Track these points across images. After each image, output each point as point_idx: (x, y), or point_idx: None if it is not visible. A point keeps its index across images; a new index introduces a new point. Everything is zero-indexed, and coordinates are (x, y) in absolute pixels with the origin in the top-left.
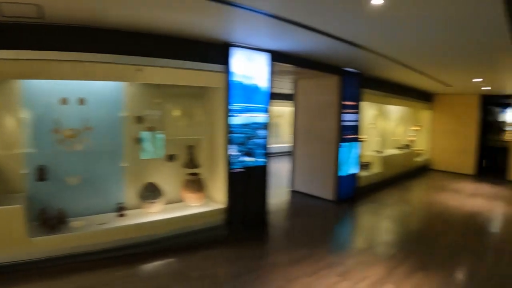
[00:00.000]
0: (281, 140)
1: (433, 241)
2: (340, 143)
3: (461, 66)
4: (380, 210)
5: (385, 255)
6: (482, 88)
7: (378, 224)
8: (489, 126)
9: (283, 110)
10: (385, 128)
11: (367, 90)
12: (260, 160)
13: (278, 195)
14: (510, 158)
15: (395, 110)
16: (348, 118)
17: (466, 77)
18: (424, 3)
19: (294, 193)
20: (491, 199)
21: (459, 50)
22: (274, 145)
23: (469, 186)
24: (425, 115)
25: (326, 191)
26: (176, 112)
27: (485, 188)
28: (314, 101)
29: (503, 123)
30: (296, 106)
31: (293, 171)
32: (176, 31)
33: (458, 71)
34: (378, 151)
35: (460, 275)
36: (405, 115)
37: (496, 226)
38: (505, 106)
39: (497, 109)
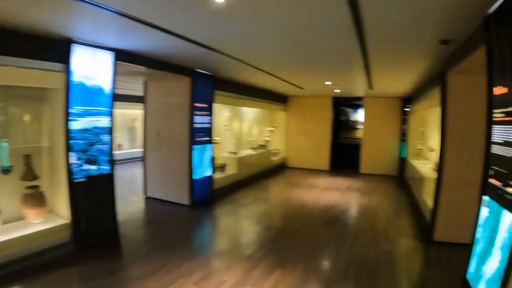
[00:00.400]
0: (138, 145)
1: (291, 237)
2: (193, 146)
3: (312, 70)
4: (237, 211)
5: (244, 256)
6: (335, 91)
7: (236, 225)
8: (342, 125)
9: (139, 113)
10: (240, 129)
11: (220, 92)
12: (105, 168)
13: (132, 203)
14: (361, 153)
15: (250, 112)
16: (200, 120)
17: (318, 81)
18: (267, 6)
19: (149, 200)
20: (345, 192)
21: (308, 55)
22: (130, 150)
23: (324, 181)
24: (280, 116)
25: (181, 196)
26: (20, 117)
27: (339, 181)
28: (166, 103)
29: (355, 122)
30: (146, 109)
31: (146, 176)
32: (7, 23)
33: (310, 75)
34: (233, 152)
35: (318, 267)
36: (260, 116)
37: (350, 216)
38: (356, 107)
39: (349, 110)
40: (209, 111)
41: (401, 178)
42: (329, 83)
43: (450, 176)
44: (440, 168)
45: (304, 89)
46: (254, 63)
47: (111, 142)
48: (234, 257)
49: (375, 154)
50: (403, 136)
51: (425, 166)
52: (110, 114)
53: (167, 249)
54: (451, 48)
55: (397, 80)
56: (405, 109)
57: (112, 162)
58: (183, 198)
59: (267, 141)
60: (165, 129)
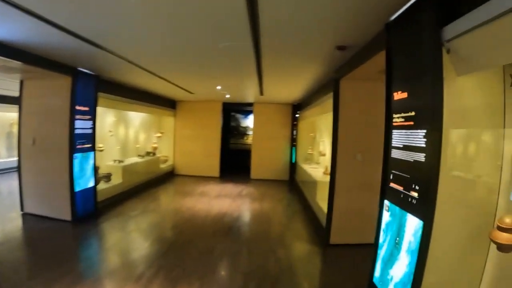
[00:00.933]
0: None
1: (184, 250)
2: (74, 154)
3: (202, 73)
4: (126, 224)
5: (134, 276)
6: (226, 96)
7: (125, 240)
8: (233, 131)
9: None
10: (127, 135)
11: (104, 95)
12: None
13: (7, 221)
14: (252, 158)
15: (137, 117)
16: (82, 125)
17: (208, 85)
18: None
19: (27, 216)
20: (237, 198)
21: (198, 56)
22: (8, 159)
23: (215, 188)
24: (169, 121)
25: (62, 211)
26: None
27: (230, 188)
28: (43, 105)
29: (245, 128)
30: (22, 112)
31: (22, 189)
32: None
33: (200, 78)
34: (119, 161)
35: (215, 282)
36: (148, 121)
37: (244, 223)
38: (247, 112)
39: (240, 116)
40: (91, 115)
41: (292, 182)
42: (220, 87)
43: (342, 180)
44: (332, 172)
45: (194, 93)
46: (140, 63)
47: None
48: (124, 278)
49: (266, 160)
50: (293, 142)
51: (316, 170)
52: None
53: (50, 274)
54: (346, 54)
55: (289, 86)
56: (296, 115)
57: None
58: (65, 213)
59: (155, 148)
60: (42, 135)
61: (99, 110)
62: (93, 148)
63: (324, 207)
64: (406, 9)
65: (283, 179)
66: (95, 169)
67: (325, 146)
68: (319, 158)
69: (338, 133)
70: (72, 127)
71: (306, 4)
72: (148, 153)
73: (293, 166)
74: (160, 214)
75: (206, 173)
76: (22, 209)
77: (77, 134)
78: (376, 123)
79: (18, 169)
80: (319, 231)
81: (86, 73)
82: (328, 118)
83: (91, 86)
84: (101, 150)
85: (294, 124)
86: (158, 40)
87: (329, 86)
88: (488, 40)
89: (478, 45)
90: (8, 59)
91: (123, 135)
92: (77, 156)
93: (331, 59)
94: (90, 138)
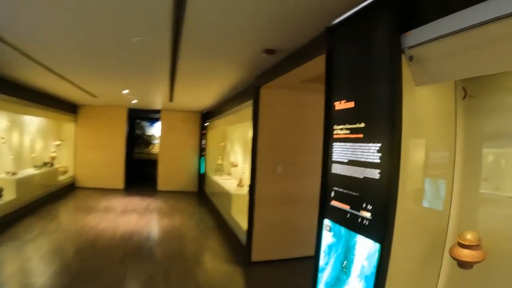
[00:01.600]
0: None
1: (91, 282)
2: None
3: (108, 74)
4: (21, 250)
5: None
6: (132, 102)
7: (20, 272)
8: (138, 140)
9: None
10: (22, 143)
11: None
12: None
13: None
14: (159, 169)
15: (34, 122)
16: None
17: (114, 88)
18: None
19: None
20: (144, 213)
21: (103, 50)
22: None
23: (120, 202)
24: (69, 127)
25: None
26: None
27: (136, 201)
28: None
29: (151, 136)
30: None
31: None
32: None
33: (105, 79)
34: (12, 173)
35: None
36: (46, 127)
37: (155, 242)
38: (153, 120)
39: (145, 123)
40: None
41: (201, 194)
42: (127, 91)
43: (263, 193)
44: (252, 184)
45: (97, 97)
46: (36, 57)
47: None
48: None
49: (173, 170)
50: (202, 151)
51: (229, 182)
52: None
53: None
54: (273, 59)
55: (202, 93)
56: (205, 124)
57: None
58: None
59: (53, 158)
60: None
61: None
62: None
63: (241, 221)
64: (355, 13)
65: (191, 190)
66: None
67: (237, 156)
68: (230, 169)
69: (258, 143)
70: None
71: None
72: (45, 164)
73: (201, 177)
74: (61, 236)
75: (110, 185)
76: None
77: None
78: (300, 133)
79: None
80: (238, 248)
81: None
82: (243, 127)
83: None
84: None
85: (202, 133)
86: (58, 28)
87: (247, 93)
88: (452, 52)
89: (441, 56)
90: None
91: (18, 142)
92: None
93: (255, 64)
94: None
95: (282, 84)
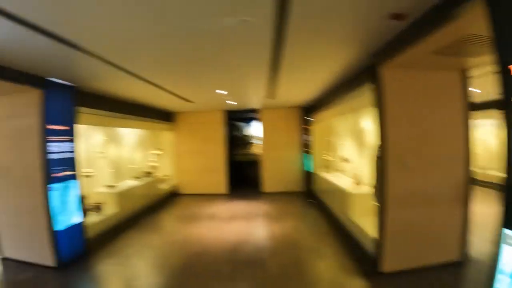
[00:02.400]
0: None
1: None
2: (50, 185)
3: (204, 74)
4: (122, 267)
5: None
6: (228, 102)
7: None
8: (236, 141)
9: None
10: (120, 156)
11: (87, 110)
12: None
13: None
14: (262, 170)
15: (131, 134)
16: (59, 148)
17: (209, 90)
18: None
19: (6, 262)
20: (252, 219)
21: (196, 48)
22: None
23: (225, 208)
24: (167, 136)
25: (43, 255)
26: None
27: (242, 206)
28: (7, 127)
29: (248, 136)
30: None
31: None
32: None
33: (201, 81)
34: (111, 186)
35: None
36: (143, 138)
37: (267, 252)
38: (249, 120)
39: (242, 124)
40: (70, 135)
41: (309, 194)
42: (223, 92)
43: (393, 193)
44: (380, 184)
45: (193, 102)
46: (123, 65)
47: None
48: None
49: (277, 170)
50: (305, 148)
51: (342, 179)
52: None
53: None
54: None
55: (307, 84)
56: (307, 118)
57: None
58: (47, 258)
59: (154, 167)
60: (10, 165)
61: (83, 128)
62: (76, 175)
63: (365, 225)
64: None
65: (298, 190)
66: (82, 199)
67: (347, 151)
68: (341, 165)
69: (385, 133)
70: (44, 152)
71: None
72: (146, 174)
73: (308, 175)
74: (164, 249)
75: (213, 191)
76: (2, 252)
77: (53, 159)
78: (432, 119)
79: None
80: (362, 256)
81: (60, 83)
82: (354, 117)
83: (67, 100)
84: (90, 176)
85: (304, 128)
86: (141, 30)
87: (361, 77)
88: None
89: None
90: None
91: (116, 155)
92: (55, 187)
93: (375, 37)
94: (71, 163)
95: (406, 62)
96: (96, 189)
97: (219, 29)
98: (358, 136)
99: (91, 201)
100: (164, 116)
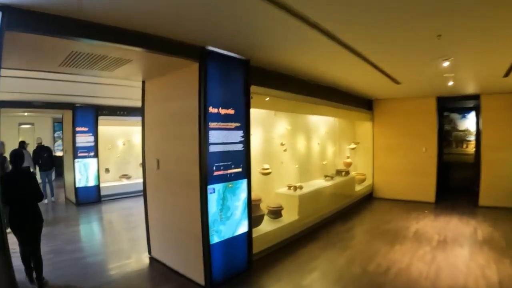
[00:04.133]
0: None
1: None
2: (210, 186)
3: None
4: None
5: None
6: (449, 84)
7: None
8: (447, 137)
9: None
10: (309, 149)
11: (262, 90)
12: None
13: (134, 262)
14: (482, 176)
15: (321, 123)
16: (224, 138)
17: (424, 64)
18: None
19: (154, 263)
20: (473, 248)
21: None
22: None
23: (434, 225)
24: (364, 127)
25: (193, 268)
26: None
27: (455, 224)
28: (165, 112)
29: (465, 131)
30: (144, 124)
31: (149, 227)
32: None
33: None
34: (294, 187)
35: None
36: (336, 128)
37: None
38: (466, 110)
39: (456, 115)
40: (241, 121)
41: None
42: (447, 63)
43: None
44: None
45: (400, 83)
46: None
47: None
48: None
49: (502, 177)
50: None
51: None
52: None
53: None
54: None
55: None
56: None
57: None
58: (196, 272)
59: (348, 164)
60: (167, 155)
61: (258, 114)
62: (247, 173)
63: None
64: None
65: None
66: (252, 204)
67: None
68: None
69: None
70: (203, 142)
71: None
72: (339, 172)
73: None
74: (353, 283)
75: (417, 197)
76: (149, 251)
77: (214, 152)
78: None
79: (144, 200)
80: None
81: (226, 55)
82: None
83: (237, 77)
84: (267, 173)
85: None
86: None
87: None
88: None
89: None
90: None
91: (304, 149)
92: (216, 189)
93: None
94: (242, 157)
95: None
96: (275, 189)
97: None
98: None
99: (266, 205)
100: (360, 103)
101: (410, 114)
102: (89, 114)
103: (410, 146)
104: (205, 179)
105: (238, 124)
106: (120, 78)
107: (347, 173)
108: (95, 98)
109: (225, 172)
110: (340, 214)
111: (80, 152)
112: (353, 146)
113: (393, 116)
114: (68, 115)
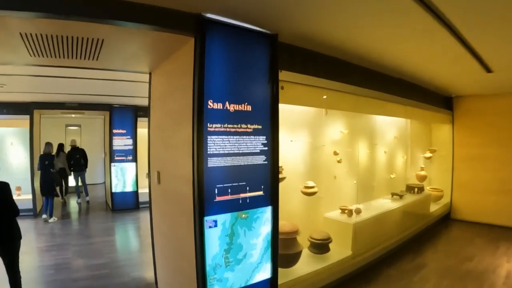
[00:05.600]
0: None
1: None
2: (208, 216)
3: None
4: None
5: None
6: None
7: None
8: None
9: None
10: (370, 160)
11: (300, 78)
12: None
13: None
14: None
15: (388, 125)
16: (235, 147)
17: None
18: None
19: None
20: None
21: None
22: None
23: None
24: (442, 132)
25: None
26: None
27: None
28: (161, 110)
29: None
30: (149, 126)
31: (154, 255)
32: None
33: None
34: (350, 210)
35: None
36: (408, 133)
37: None
38: None
39: None
40: (261, 122)
41: None
42: None
43: None
44: None
45: (492, 72)
46: None
47: None
48: None
49: None
50: None
51: None
52: None
53: None
54: None
55: None
56: None
57: None
58: None
59: (422, 178)
60: (165, 166)
61: (299, 113)
62: (272, 198)
63: None
64: None
65: None
66: (276, 239)
67: None
68: None
69: None
70: (199, 153)
71: None
72: (410, 188)
73: None
74: None
75: (508, 222)
76: (156, 283)
77: (217, 168)
78: None
79: (150, 219)
80: None
81: (238, 27)
82: None
83: (258, 58)
84: (312, 194)
85: None
86: None
87: None
88: None
89: None
90: None
91: (365, 159)
92: (219, 221)
93: None
94: (264, 175)
95: None
96: (324, 213)
97: None
98: None
99: (308, 235)
100: (437, 100)
101: (503, 115)
102: (127, 115)
103: (501, 158)
104: (201, 207)
105: (258, 127)
106: (125, 70)
107: (421, 189)
108: (134, 98)
109: (235, 196)
110: (409, 242)
111: (117, 156)
112: (428, 155)
113: (479, 118)
114: (107, 117)
